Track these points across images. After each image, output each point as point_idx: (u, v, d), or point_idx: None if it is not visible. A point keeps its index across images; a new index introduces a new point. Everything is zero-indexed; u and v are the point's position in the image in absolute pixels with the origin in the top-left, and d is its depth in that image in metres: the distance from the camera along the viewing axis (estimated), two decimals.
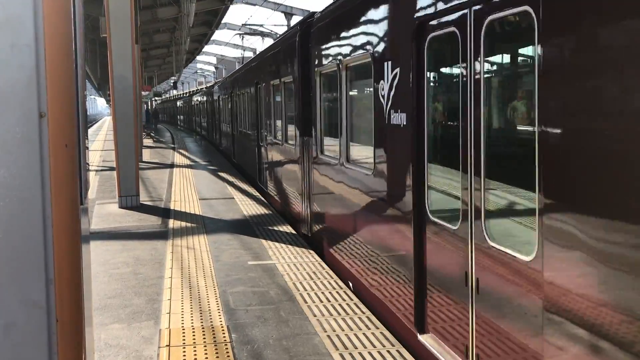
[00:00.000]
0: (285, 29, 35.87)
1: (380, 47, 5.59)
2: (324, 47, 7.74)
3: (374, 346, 5.11)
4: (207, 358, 4.95)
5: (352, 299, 6.32)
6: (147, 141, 32.38)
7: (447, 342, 4.57)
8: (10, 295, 1.96)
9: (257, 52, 16.99)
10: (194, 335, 5.42)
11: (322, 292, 6.58)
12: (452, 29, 4.21)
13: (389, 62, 5.32)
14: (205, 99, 34.98)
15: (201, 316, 5.90)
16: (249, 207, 11.99)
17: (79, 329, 2.07)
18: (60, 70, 2.00)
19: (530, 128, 3.48)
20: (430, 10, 4.50)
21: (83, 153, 2.24)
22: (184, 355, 5.00)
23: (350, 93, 6.85)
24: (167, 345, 5.21)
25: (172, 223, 10.51)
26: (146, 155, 23.79)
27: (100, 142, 33.19)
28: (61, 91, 2.00)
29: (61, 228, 1.98)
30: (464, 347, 4.31)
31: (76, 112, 2.13)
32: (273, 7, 35.35)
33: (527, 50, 3.69)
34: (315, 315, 5.87)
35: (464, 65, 4.06)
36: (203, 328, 5.58)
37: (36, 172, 1.94)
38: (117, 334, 5.55)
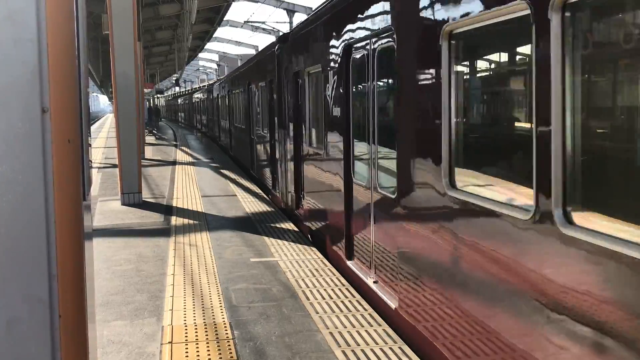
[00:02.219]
0: (287, 26, 35.81)
1: None
2: None
3: (377, 343, 5.11)
4: (209, 355, 4.95)
5: (354, 296, 6.31)
6: (149, 139, 32.40)
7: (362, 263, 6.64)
8: (13, 290, 1.96)
9: None
10: (196, 332, 5.42)
11: (325, 290, 6.57)
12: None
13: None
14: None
15: (203, 313, 5.90)
16: (251, 205, 11.99)
17: (82, 325, 2.07)
18: (62, 65, 1.99)
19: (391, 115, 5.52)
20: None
21: (86, 149, 2.24)
22: (187, 352, 5.00)
23: None
24: (169, 342, 5.22)
25: (175, 220, 10.52)
26: (148, 152, 23.81)
27: (102, 140, 33.22)
28: (64, 86, 2.00)
29: (64, 223, 1.98)
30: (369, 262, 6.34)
31: (79, 107, 2.12)
32: (275, 4, 35.33)
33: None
34: (317, 313, 5.87)
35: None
36: (205, 325, 5.59)
37: (39, 167, 1.94)
38: (119, 330, 5.55)
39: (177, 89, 74.68)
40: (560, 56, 3.02)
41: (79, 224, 2.05)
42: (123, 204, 12.21)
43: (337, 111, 7.37)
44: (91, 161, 2.42)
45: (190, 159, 21.63)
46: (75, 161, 2.03)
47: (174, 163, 20.19)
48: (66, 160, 1.99)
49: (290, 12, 35.24)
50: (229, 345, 5.14)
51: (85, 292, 2.10)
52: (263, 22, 40.18)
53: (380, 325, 5.51)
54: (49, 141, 1.94)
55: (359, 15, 6.31)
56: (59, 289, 1.95)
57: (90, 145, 2.46)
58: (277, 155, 12.37)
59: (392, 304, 5.58)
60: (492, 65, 4.29)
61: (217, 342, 5.19)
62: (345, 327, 5.47)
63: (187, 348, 5.09)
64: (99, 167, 19.08)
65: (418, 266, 4.97)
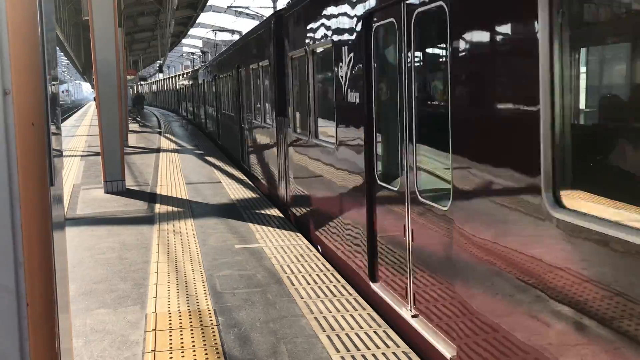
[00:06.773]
0: (271, 11, 35.52)
1: None
2: None
3: (361, 327, 5.10)
4: (193, 342, 4.91)
5: (339, 281, 6.30)
6: (134, 126, 32.11)
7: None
8: None
9: None
10: (180, 319, 5.38)
11: (310, 275, 6.55)
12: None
13: None
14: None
15: (188, 300, 5.85)
16: (236, 191, 11.92)
17: (51, 314, 2.01)
18: (24, 46, 1.91)
19: (443, 104, 4.21)
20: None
21: (51, 133, 2.16)
22: (171, 339, 4.96)
23: None
24: (153, 330, 5.17)
25: (159, 208, 10.43)
26: (132, 140, 23.59)
27: (86, 127, 32.87)
28: (26, 68, 1.92)
29: (30, 209, 1.91)
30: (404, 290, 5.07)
31: (44, 90, 2.05)
32: None
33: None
34: (302, 298, 5.84)
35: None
36: (190, 312, 5.54)
37: (2, 151, 1.86)
38: (103, 319, 5.50)
39: (161, 70, 72.12)
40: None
41: (45, 209, 1.98)
42: (106, 191, 12.08)
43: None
44: (59, 150, 2.34)
45: (174, 146, 21.47)
46: (40, 145, 1.96)
47: (158, 150, 20.02)
48: (31, 144, 1.92)
49: None
50: (214, 331, 5.10)
51: (55, 281, 2.03)
52: (247, 7, 39.94)
53: (365, 309, 5.50)
54: (12, 124, 1.86)
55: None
56: (25, 277, 1.88)
57: (59, 131, 2.38)
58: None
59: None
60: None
61: (202, 329, 5.15)
62: (330, 312, 5.46)
63: (171, 335, 5.05)
64: (82, 155, 18.88)
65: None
